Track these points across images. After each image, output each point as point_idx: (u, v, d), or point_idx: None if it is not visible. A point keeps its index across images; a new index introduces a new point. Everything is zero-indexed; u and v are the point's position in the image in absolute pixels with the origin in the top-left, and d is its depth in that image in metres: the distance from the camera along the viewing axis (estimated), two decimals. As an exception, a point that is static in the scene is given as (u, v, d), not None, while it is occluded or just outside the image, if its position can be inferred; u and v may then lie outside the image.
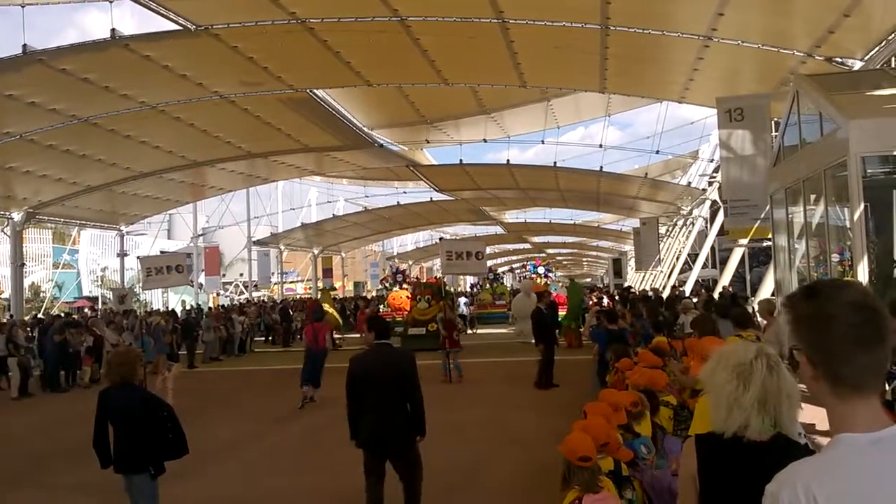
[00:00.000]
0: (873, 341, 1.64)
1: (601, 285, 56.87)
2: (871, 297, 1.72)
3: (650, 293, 26.35)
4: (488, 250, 26.70)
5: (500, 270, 61.53)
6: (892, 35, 13.33)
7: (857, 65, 14.50)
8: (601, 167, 29.32)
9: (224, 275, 57.43)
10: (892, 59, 14.58)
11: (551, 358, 15.19)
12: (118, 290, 29.65)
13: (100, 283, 60.30)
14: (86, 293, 57.50)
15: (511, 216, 52.86)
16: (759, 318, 12.30)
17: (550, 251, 74.51)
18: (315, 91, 21.94)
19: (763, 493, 2.37)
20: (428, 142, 30.47)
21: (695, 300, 18.99)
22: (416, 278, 45.59)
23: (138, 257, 27.51)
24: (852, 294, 1.70)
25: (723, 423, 2.48)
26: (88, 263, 61.31)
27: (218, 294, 52.18)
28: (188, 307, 32.63)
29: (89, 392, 18.19)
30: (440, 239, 34.02)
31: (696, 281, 32.58)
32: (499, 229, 56.13)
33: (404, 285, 31.03)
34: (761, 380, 2.45)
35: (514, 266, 71.89)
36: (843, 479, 1.57)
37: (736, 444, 2.45)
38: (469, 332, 29.40)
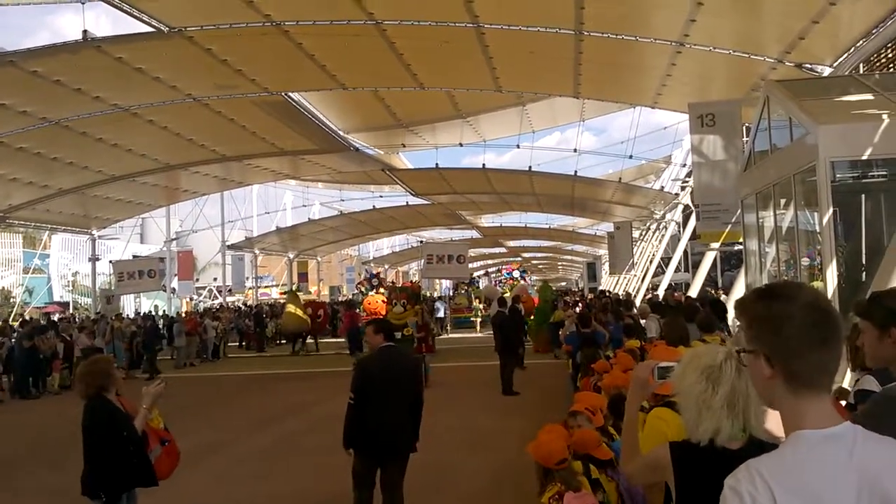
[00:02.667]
0: (829, 340, 1.72)
1: (576, 289, 57.12)
2: (823, 298, 1.81)
3: (622, 297, 26.51)
4: (463, 254, 26.72)
5: (475, 275, 61.61)
6: (861, 42, 13.55)
7: (827, 71, 14.72)
8: (576, 172, 29.52)
9: (197, 279, 56.96)
10: (861, 65, 14.83)
11: (507, 365, 15.16)
12: (106, 291, 29.25)
13: (71, 288, 59.50)
14: (56, 298, 56.71)
15: (487, 220, 52.97)
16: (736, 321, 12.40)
17: (526, 255, 74.76)
18: (290, 94, 21.86)
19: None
20: (404, 146, 30.47)
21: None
22: (392, 282, 45.50)
23: (111, 261, 27.13)
24: (807, 296, 1.77)
25: (695, 428, 2.49)
26: (59, 268, 60.40)
27: (191, 299, 51.72)
28: (150, 312, 32.06)
29: (59, 399, 17.97)
30: (421, 241, 33.97)
31: (669, 284, 32.83)
32: (475, 233, 56.22)
33: (380, 289, 30.91)
34: (731, 382, 2.47)
35: (490, 270, 72.01)
36: (800, 473, 1.62)
37: (711, 452, 2.45)
38: (444, 335, 29.39)
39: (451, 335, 30.95)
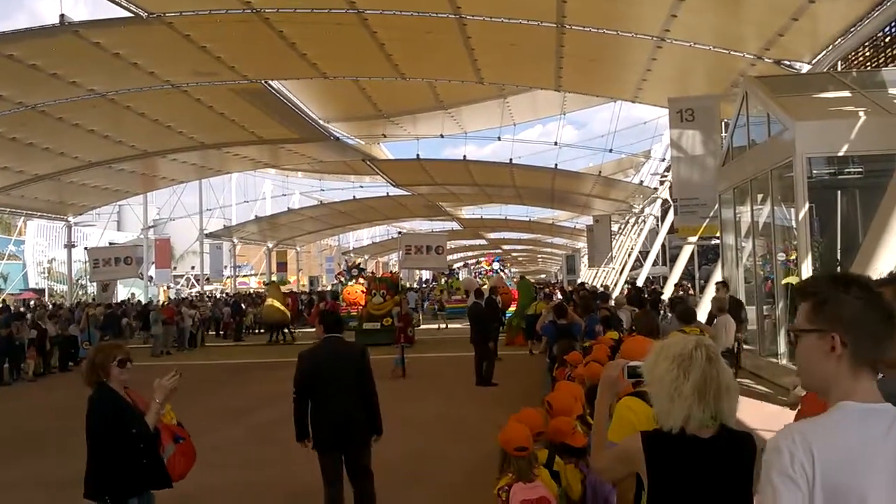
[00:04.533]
0: (893, 331, 1.90)
1: (555, 281, 57.39)
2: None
3: (601, 289, 26.65)
4: (443, 245, 26.66)
5: (455, 266, 61.75)
6: (839, 40, 13.70)
7: (805, 68, 14.87)
8: (556, 165, 29.65)
9: (175, 268, 56.56)
10: (839, 63, 14.99)
11: (482, 356, 15.19)
12: (102, 281, 29.02)
13: (46, 274, 58.85)
14: (32, 285, 56.08)
15: (467, 212, 53.06)
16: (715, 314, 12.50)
17: (506, 247, 74.93)
18: (270, 82, 21.72)
19: (712, 489, 2.46)
20: (385, 136, 30.42)
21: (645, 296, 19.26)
22: (372, 273, 45.56)
23: (86, 248, 26.85)
24: (873, 287, 1.95)
25: (667, 415, 2.50)
26: (35, 255, 59.73)
27: (168, 288, 51.39)
28: (113, 301, 31.37)
29: (33, 386, 17.81)
30: (400, 232, 33.97)
31: (647, 277, 33.09)
32: (455, 225, 56.27)
33: (359, 280, 30.86)
34: (701, 369, 2.48)
35: (470, 262, 72.25)
36: (840, 436, 1.77)
37: (682, 440, 2.47)
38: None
39: (422, 326, 30.69)
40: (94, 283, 29.08)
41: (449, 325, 29.90)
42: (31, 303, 37.67)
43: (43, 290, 54.15)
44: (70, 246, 34.30)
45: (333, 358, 6.16)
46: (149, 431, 4.46)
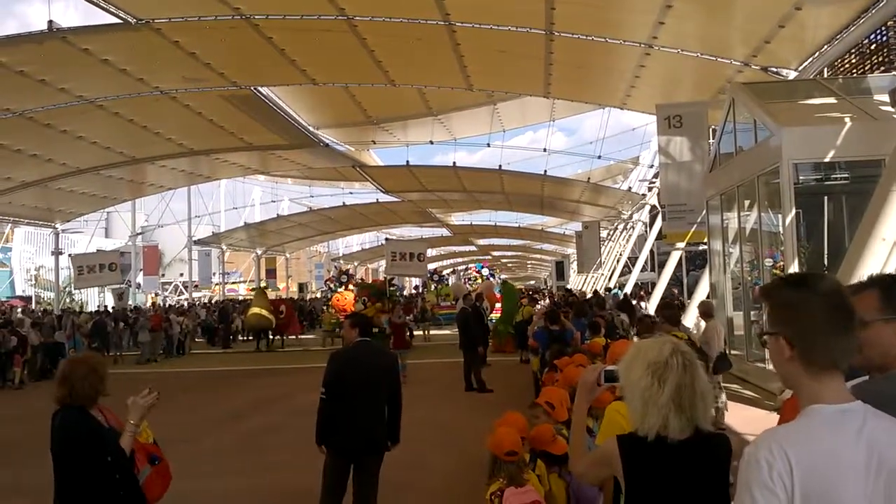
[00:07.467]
0: (845, 327, 1.89)
1: (544, 287, 57.50)
2: (842, 288, 1.97)
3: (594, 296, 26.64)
4: (434, 252, 26.70)
5: (444, 272, 61.75)
6: (825, 47, 13.81)
7: (792, 75, 14.97)
8: (545, 171, 29.72)
9: (163, 275, 56.30)
10: (825, 69, 15.10)
11: (471, 362, 15.23)
12: (118, 289, 28.89)
13: (34, 282, 58.51)
14: (19, 292, 55.77)
15: (457, 218, 53.03)
16: (700, 320, 12.58)
17: (495, 254, 74.95)
18: (259, 88, 21.69)
19: (688, 491, 2.47)
20: (374, 142, 30.42)
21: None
22: (361, 279, 45.39)
23: (70, 255, 26.70)
24: (829, 286, 1.92)
25: (641, 422, 2.51)
26: (22, 262, 59.44)
27: (156, 295, 51.13)
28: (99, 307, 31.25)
29: (20, 394, 17.70)
30: (386, 239, 34.00)
31: (636, 283, 33.17)
32: (444, 231, 56.22)
33: (349, 286, 30.78)
34: (676, 378, 2.48)
35: (459, 268, 72.24)
36: (813, 441, 1.79)
37: (658, 443, 2.47)
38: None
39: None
40: (104, 291, 29.02)
41: (430, 332, 29.67)
42: (20, 310, 37.43)
43: (30, 298, 53.84)
44: (57, 253, 34.09)
45: (367, 363, 6.09)
46: (125, 457, 3.93)
